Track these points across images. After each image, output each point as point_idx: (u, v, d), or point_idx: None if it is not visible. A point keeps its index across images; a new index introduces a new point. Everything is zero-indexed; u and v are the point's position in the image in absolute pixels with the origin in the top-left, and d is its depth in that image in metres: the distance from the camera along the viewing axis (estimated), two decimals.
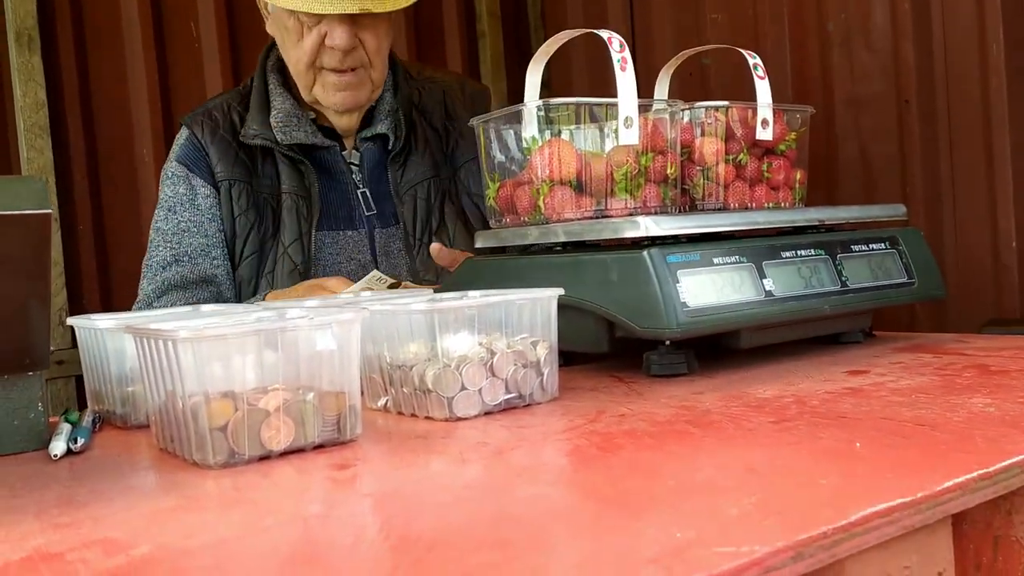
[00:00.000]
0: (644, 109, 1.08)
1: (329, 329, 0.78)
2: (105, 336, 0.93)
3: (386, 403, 0.93)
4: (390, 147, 1.55)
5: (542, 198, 1.08)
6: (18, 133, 2.05)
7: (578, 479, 0.64)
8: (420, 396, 0.88)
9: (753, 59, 1.19)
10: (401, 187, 1.54)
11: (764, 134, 1.19)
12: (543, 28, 2.72)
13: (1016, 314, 1.76)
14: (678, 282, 0.97)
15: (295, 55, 1.45)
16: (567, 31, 1.14)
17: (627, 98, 1.04)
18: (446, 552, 0.50)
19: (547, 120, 1.09)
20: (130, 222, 2.19)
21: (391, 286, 1.30)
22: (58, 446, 0.82)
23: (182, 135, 1.56)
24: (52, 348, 0.80)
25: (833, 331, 1.16)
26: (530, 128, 1.09)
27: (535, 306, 0.92)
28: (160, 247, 1.50)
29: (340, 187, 1.54)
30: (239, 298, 1.50)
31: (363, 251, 1.54)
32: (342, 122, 1.54)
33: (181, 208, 1.50)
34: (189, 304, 1.42)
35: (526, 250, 1.15)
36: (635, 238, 1.01)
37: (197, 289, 1.48)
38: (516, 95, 2.66)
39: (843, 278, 1.10)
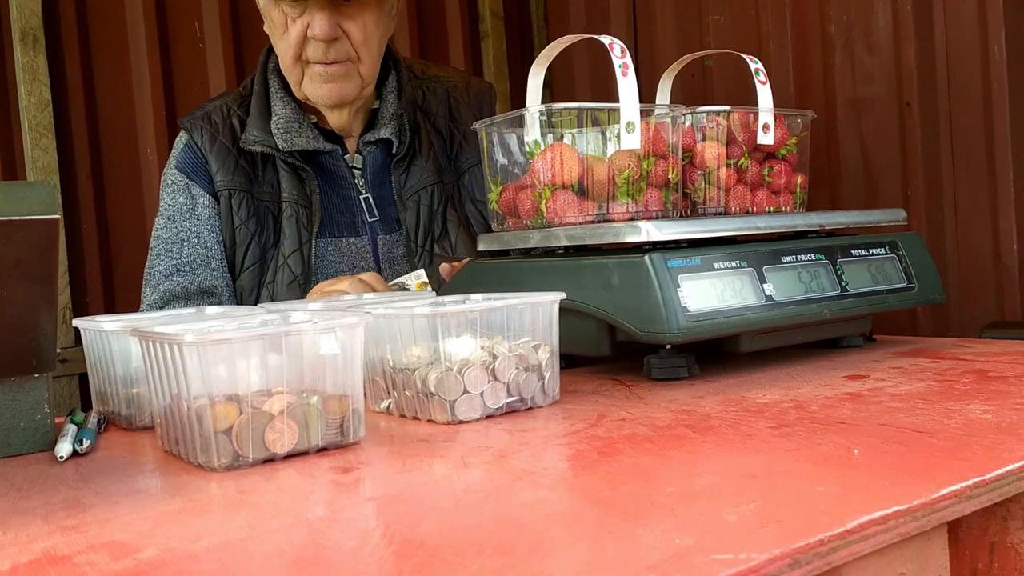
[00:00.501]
0: (646, 113, 1.09)
1: (333, 333, 0.79)
2: (110, 338, 0.93)
3: (389, 406, 0.94)
4: (394, 151, 1.54)
5: (544, 202, 1.09)
6: (22, 132, 2.06)
7: (579, 484, 0.65)
8: (422, 399, 0.88)
9: (755, 64, 1.20)
10: (404, 192, 1.53)
11: (765, 139, 1.20)
12: (546, 29, 2.73)
13: (1018, 316, 1.76)
14: (679, 286, 0.98)
15: (282, 48, 1.44)
16: (569, 36, 1.14)
17: (629, 103, 1.05)
18: (449, 556, 0.51)
19: (549, 124, 1.10)
20: (134, 222, 2.20)
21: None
22: (64, 448, 0.83)
23: (181, 140, 1.54)
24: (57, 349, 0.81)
25: (833, 335, 1.17)
26: (532, 132, 1.10)
27: (537, 310, 0.93)
28: (161, 256, 1.50)
29: (342, 192, 1.53)
30: None
31: (366, 258, 1.53)
32: (334, 118, 1.51)
33: (181, 218, 1.50)
34: None
35: (528, 254, 1.15)
36: (636, 242, 1.01)
37: (198, 300, 1.47)
38: (518, 96, 2.67)
39: (843, 283, 1.10)
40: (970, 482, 0.58)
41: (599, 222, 1.08)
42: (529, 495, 0.62)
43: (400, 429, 0.87)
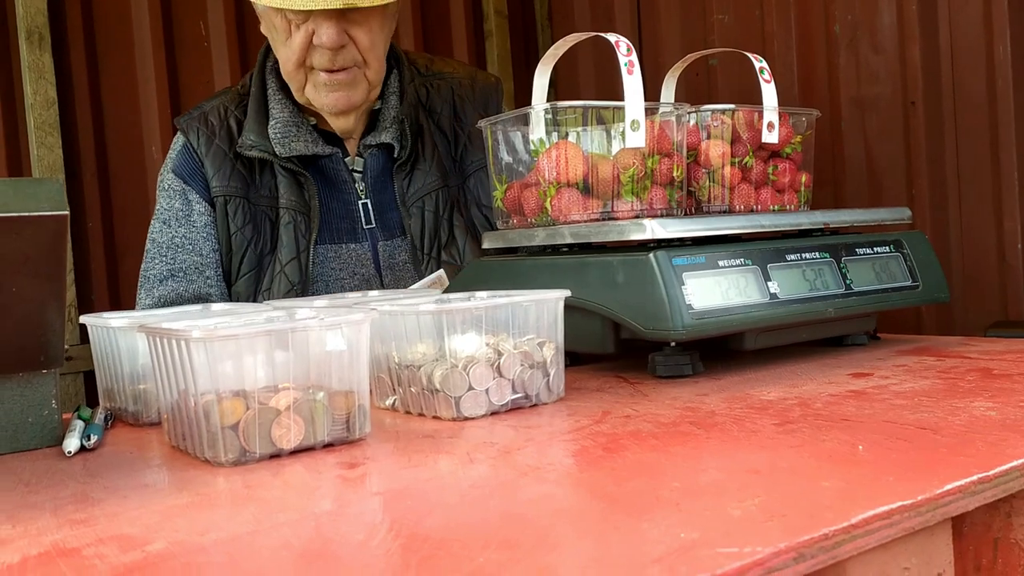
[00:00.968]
0: (651, 112, 1.09)
1: (339, 329, 0.79)
2: (117, 335, 0.94)
3: (394, 402, 0.94)
4: (395, 155, 1.49)
5: (549, 200, 1.09)
6: (28, 131, 2.06)
7: (584, 479, 0.65)
8: (428, 396, 0.89)
9: (759, 63, 1.20)
10: (408, 198, 1.49)
11: (770, 137, 1.20)
12: (550, 28, 2.73)
13: (1022, 315, 1.76)
14: (683, 284, 0.98)
15: (284, 54, 1.39)
16: (575, 34, 1.15)
17: (634, 101, 1.05)
18: (454, 550, 0.51)
19: (554, 122, 1.10)
20: (139, 220, 2.20)
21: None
22: (72, 443, 0.83)
23: (178, 141, 1.51)
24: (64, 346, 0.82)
25: (837, 333, 1.17)
26: (537, 130, 1.10)
27: (542, 307, 0.93)
28: (156, 259, 1.48)
29: (342, 197, 1.49)
30: None
31: (366, 264, 1.49)
32: (339, 124, 1.47)
33: (176, 223, 1.47)
34: None
35: (533, 251, 1.16)
36: (641, 240, 1.02)
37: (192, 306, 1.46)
38: (523, 94, 2.67)
39: (847, 281, 1.11)
40: (974, 478, 0.58)
41: (604, 220, 1.08)
42: (534, 490, 0.63)
43: (405, 425, 0.87)
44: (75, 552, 0.55)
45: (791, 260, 1.08)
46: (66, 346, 2.02)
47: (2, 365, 0.84)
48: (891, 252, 1.18)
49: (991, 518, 0.64)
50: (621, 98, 1.06)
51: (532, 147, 1.11)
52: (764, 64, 1.20)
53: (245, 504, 0.64)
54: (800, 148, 1.25)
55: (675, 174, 1.12)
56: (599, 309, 1.02)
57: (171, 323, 0.79)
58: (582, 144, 1.10)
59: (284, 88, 1.48)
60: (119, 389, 0.97)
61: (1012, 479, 0.61)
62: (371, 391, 0.88)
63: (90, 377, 1.06)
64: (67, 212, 0.78)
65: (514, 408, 0.90)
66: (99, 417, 0.92)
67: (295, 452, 0.77)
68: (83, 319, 1.01)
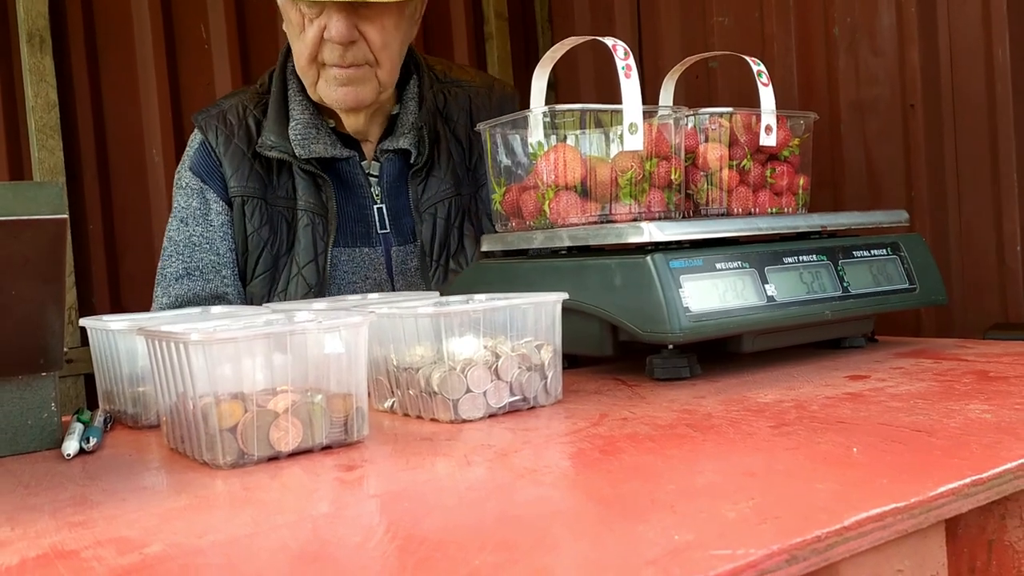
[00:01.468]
0: (649, 115, 1.10)
1: (337, 332, 0.79)
2: (117, 337, 0.94)
3: (392, 405, 0.95)
4: (412, 161, 1.49)
5: (547, 203, 1.09)
6: (29, 133, 2.07)
7: (580, 481, 0.65)
8: (426, 398, 0.89)
9: (757, 66, 1.20)
10: (422, 204, 1.49)
11: (768, 140, 1.20)
12: (550, 30, 2.74)
13: (1022, 318, 1.76)
14: (681, 287, 0.98)
15: (298, 49, 1.40)
16: (572, 38, 1.15)
17: (632, 104, 1.06)
18: (452, 552, 0.51)
19: (553, 125, 1.11)
20: (140, 222, 2.21)
21: None
22: (71, 446, 0.83)
23: (195, 139, 1.51)
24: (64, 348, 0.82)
25: (835, 336, 1.18)
26: (536, 133, 1.11)
27: (540, 310, 0.93)
28: (173, 258, 1.48)
29: (357, 201, 1.49)
30: None
31: (379, 269, 1.49)
32: (349, 121, 1.47)
33: (194, 222, 1.47)
34: None
35: (531, 254, 1.16)
36: (639, 243, 1.02)
37: (209, 305, 1.46)
38: (523, 97, 2.67)
39: (845, 284, 1.11)
40: (968, 480, 0.59)
41: (602, 223, 1.08)
42: (531, 493, 0.63)
43: (403, 428, 0.88)
44: (73, 554, 0.56)
45: (788, 263, 1.08)
46: (66, 349, 2.02)
47: (2, 367, 0.84)
48: (888, 255, 1.18)
49: (985, 520, 0.64)
50: (620, 101, 1.06)
51: (531, 150, 1.12)
52: (762, 67, 1.20)
53: (243, 506, 0.64)
54: (798, 151, 1.26)
55: (673, 177, 1.13)
56: (597, 312, 1.03)
57: (170, 326, 0.80)
58: (580, 147, 1.11)
59: (304, 90, 1.48)
60: (118, 392, 0.97)
61: (1006, 481, 0.61)
62: (369, 394, 0.88)
63: (90, 379, 1.06)
64: (66, 216, 0.78)
65: (512, 410, 0.91)
66: (98, 420, 0.92)
67: (293, 454, 0.78)
68: (83, 322, 1.01)
